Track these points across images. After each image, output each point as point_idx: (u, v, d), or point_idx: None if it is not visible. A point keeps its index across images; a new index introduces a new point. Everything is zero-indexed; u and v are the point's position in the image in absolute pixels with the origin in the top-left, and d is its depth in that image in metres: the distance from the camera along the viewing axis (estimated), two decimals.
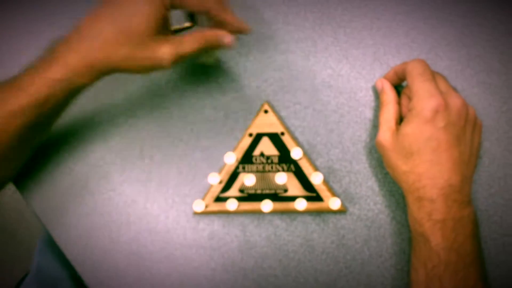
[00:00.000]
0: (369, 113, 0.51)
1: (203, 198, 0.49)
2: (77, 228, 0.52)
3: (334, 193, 0.49)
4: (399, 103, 0.47)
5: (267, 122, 0.50)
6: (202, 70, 0.53)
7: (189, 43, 0.42)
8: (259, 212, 0.49)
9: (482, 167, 0.49)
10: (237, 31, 0.45)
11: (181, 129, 0.52)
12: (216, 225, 0.51)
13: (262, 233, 0.50)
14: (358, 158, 0.50)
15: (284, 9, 0.53)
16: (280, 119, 0.51)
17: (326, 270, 0.49)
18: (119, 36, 0.40)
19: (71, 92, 0.43)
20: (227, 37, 0.44)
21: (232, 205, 0.47)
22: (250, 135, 0.50)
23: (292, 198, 0.48)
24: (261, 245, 0.50)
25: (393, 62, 0.51)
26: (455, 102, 0.42)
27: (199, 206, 0.47)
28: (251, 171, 0.49)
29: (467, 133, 0.43)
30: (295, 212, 0.50)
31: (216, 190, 0.49)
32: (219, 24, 0.45)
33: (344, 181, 0.50)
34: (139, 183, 0.52)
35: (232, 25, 0.44)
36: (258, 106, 0.52)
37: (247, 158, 0.49)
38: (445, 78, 0.46)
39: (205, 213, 0.50)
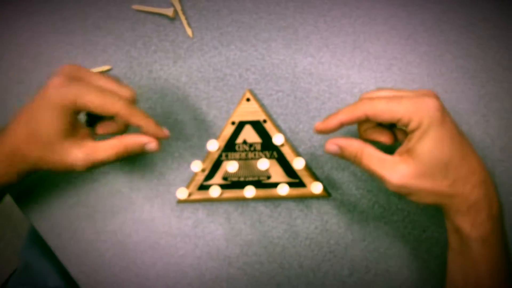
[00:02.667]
0: (350, 100, 0.51)
1: (187, 187, 0.49)
2: (61, 220, 0.52)
3: (316, 178, 0.50)
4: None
5: (249, 110, 0.50)
6: (185, 61, 0.53)
7: (104, 150, 0.41)
8: (243, 199, 0.50)
9: None
10: (152, 135, 0.42)
11: (164, 119, 0.52)
12: (200, 213, 0.51)
13: (246, 221, 0.51)
14: None
15: None
16: (262, 107, 0.51)
17: (310, 255, 0.50)
18: (30, 138, 0.40)
19: None
20: (151, 144, 0.42)
21: (215, 191, 0.47)
22: (233, 123, 0.50)
23: (275, 185, 0.48)
24: (246, 233, 0.50)
25: (372, 49, 0.52)
26: (428, 94, 0.38)
27: (182, 193, 0.48)
28: (234, 159, 0.49)
29: None
30: (279, 199, 0.50)
31: (199, 178, 0.49)
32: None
33: (326, 167, 0.51)
34: (123, 173, 0.52)
35: (145, 129, 0.41)
36: (241, 95, 0.52)
37: (230, 146, 0.50)
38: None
39: (189, 201, 0.50)
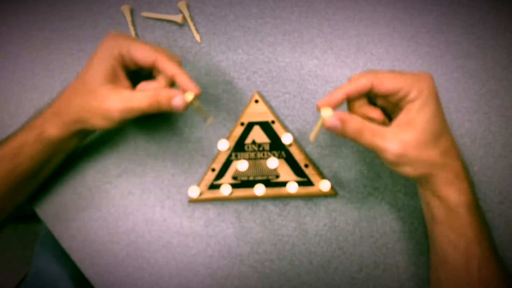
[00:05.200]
0: None
1: (197, 186, 0.51)
2: (76, 221, 0.53)
3: (324, 177, 0.51)
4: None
5: (258, 111, 0.52)
6: (193, 65, 0.55)
7: (138, 99, 0.43)
8: (253, 198, 0.51)
9: (464, 147, 0.51)
10: (185, 86, 0.44)
11: (174, 122, 0.54)
12: (211, 213, 0.52)
13: (256, 219, 0.52)
14: (346, 143, 0.52)
15: (271, 4, 0.56)
16: (270, 108, 0.53)
17: (320, 252, 0.51)
18: (76, 87, 0.45)
19: (42, 141, 0.46)
20: (177, 98, 0.43)
21: (226, 190, 0.48)
22: (242, 124, 0.52)
23: (284, 184, 0.50)
24: (256, 231, 0.52)
25: (375, 50, 0.54)
26: (425, 73, 0.41)
27: (194, 192, 0.49)
28: (244, 159, 0.51)
29: None
30: (288, 197, 0.51)
31: (210, 178, 0.51)
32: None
33: (333, 166, 0.52)
34: (135, 175, 0.53)
35: (178, 79, 0.44)
36: (249, 97, 0.54)
37: (239, 146, 0.51)
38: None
39: (200, 201, 0.51)
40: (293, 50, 0.54)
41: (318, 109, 0.41)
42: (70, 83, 0.46)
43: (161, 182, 0.53)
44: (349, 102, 0.43)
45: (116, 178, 0.53)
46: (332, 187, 0.50)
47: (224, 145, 0.49)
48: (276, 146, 0.51)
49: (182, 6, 0.55)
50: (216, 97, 0.54)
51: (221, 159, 0.51)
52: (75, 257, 0.53)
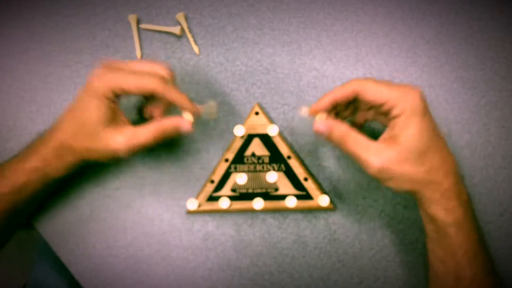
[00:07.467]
0: None
1: (196, 198, 0.50)
2: (74, 235, 0.52)
3: (323, 191, 0.51)
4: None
5: (258, 123, 0.52)
6: (192, 77, 0.55)
7: (144, 134, 0.43)
8: (251, 211, 0.51)
9: (464, 159, 0.51)
10: (187, 110, 0.45)
11: None
12: (210, 226, 0.52)
13: (256, 232, 0.51)
14: (345, 155, 0.52)
15: (269, 15, 0.55)
16: (270, 120, 0.53)
17: (319, 264, 0.50)
18: (76, 130, 0.44)
19: (45, 182, 0.46)
20: (185, 125, 0.44)
21: (224, 203, 0.48)
22: (242, 136, 0.51)
23: (283, 197, 0.50)
24: (255, 244, 0.51)
25: (374, 61, 0.53)
26: (415, 87, 0.41)
27: (192, 204, 0.49)
28: (243, 171, 0.51)
29: None
30: (287, 210, 0.51)
31: (208, 189, 0.50)
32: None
33: (333, 178, 0.52)
34: (133, 189, 0.53)
35: (180, 104, 0.44)
36: (247, 109, 0.53)
37: (239, 158, 0.51)
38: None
39: (198, 213, 0.51)
40: (292, 62, 0.54)
41: (310, 113, 0.43)
42: (61, 122, 0.45)
43: (160, 195, 0.53)
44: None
45: (115, 191, 0.53)
46: (331, 202, 0.50)
47: (240, 131, 0.49)
48: (276, 159, 0.51)
49: (180, 17, 0.55)
50: None
51: (220, 171, 0.51)
52: (74, 271, 0.52)
